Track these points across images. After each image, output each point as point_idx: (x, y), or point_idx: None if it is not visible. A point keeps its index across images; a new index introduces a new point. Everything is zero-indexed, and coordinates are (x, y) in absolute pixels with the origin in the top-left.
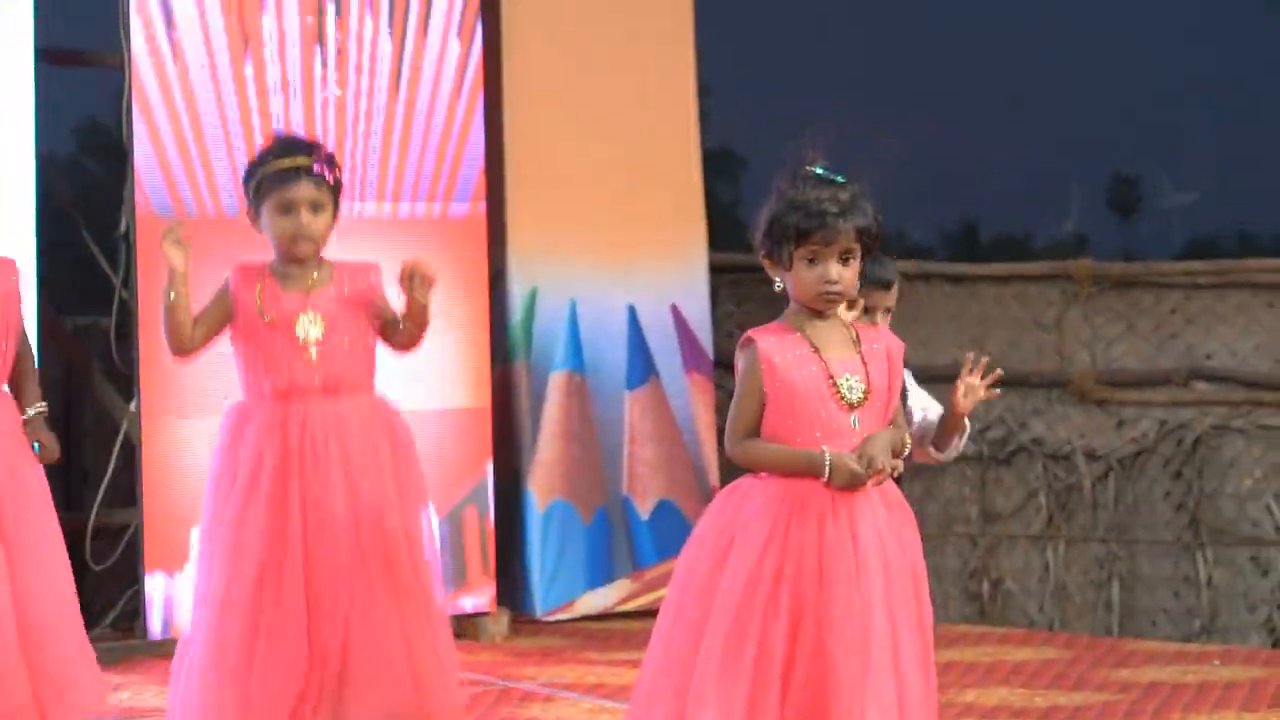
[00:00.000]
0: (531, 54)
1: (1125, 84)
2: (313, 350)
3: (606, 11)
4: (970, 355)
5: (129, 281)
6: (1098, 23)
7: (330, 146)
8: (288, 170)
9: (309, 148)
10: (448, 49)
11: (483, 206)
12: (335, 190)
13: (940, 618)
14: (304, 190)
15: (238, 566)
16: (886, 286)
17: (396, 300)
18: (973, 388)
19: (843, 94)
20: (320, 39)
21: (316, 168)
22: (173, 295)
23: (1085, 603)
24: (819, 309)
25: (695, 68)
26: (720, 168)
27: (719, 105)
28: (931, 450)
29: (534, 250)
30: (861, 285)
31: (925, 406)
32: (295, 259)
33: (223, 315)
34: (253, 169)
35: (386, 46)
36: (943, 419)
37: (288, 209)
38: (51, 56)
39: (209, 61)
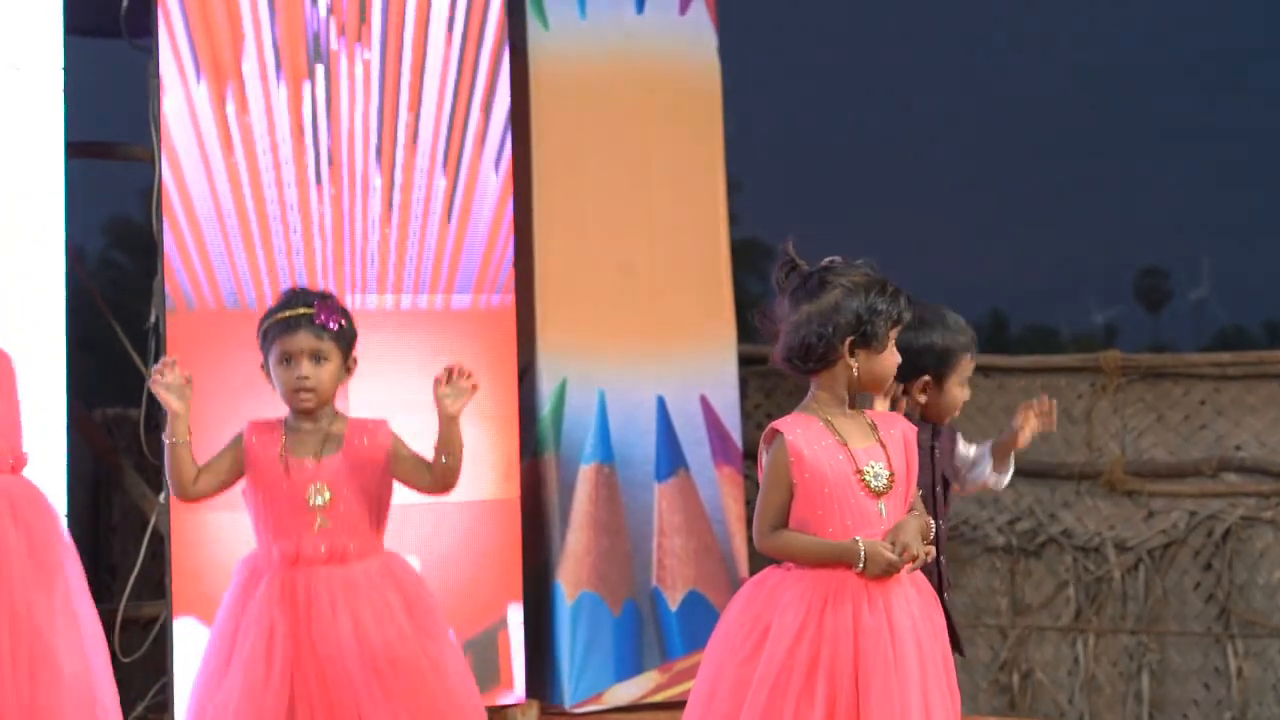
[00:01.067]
0: (561, 149)
1: (1154, 177)
2: (319, 519)
3: (636, 108)
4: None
5: None
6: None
7: (362, 241)
8: (288, 320)
9: (311, 298)
10: (480, 146)
11: (512, 299)
12: (340, 338)
13: (970, 709)
14: (303, 340)
15: None
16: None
17: (415, 443)
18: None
19: (871, 186)
20: (350, 136)
21: (319, 317)
22: (174, 439)
23: (1115, 694)
24: (879, 391)
25: (724, 163)
26: (749, 260)
27: (749, 198)
28: (990, 478)
29: (563, 342)
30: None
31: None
32: (299, 410)
33: (233, 468)
34: (261, 322)
35: (420, 141)
36: (999, 443)
37: (288, 360)
38: (81, 150)
39: (236, 156)
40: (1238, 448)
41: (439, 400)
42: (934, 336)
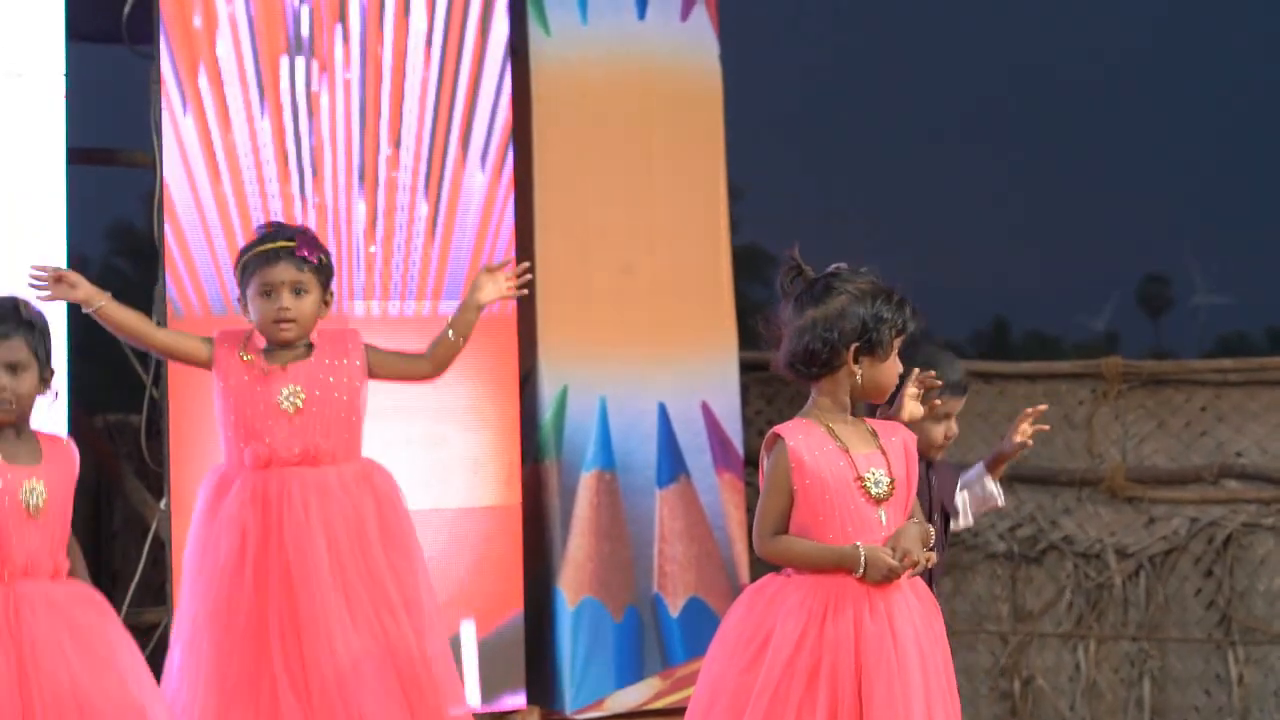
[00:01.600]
0: (562, 154)
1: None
2: (295, 421)
3: (638, 113)
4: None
5: (159, 380)
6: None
7: (364, 247)
8: (269, 252)
9: (291, 232)
10: (481, 151)
11: (513, 305)
12: (320, 272)
13: (971, 716)
14: (285, 272)
15: (225, 661)
16: (964, 391)
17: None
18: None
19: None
20: (350, 143)
21: (299, 250)
22: (93, 306)
23: (1116, 701)
24: (881, 400)
25: (725, 169)
26: (750, 267)
27: (750, 205)
28: (998, 498)
29: (564, 349)
30: (942, 393)
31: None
32: (279, 342)
33: (199, 351)
34: (239, 256)
35: (420, 147)
36: (996, 458)
37: (269, 291)
38: (83, 156)
39: (238, 161)
40: (1239, 454)
41: (476, 285)
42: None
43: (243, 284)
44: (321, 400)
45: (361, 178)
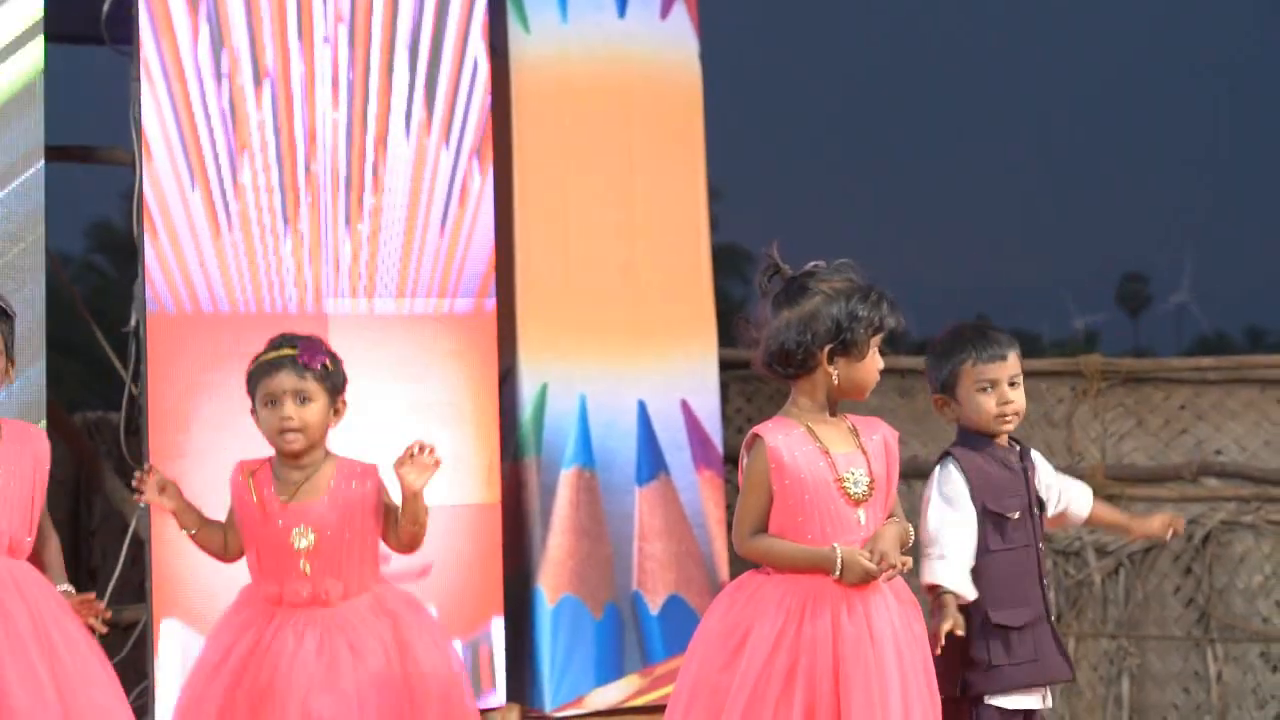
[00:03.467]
0: (542, 153)
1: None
2: (304, 562)
3: (617, 112)
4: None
5: (139, 377)
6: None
7: (343, 246)
8: (270, 362)
9: (295, 340)
10: (460, 150)
11: (493, 303)
12: (325, 378)
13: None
14: (286, 380)
15: None
16: (1000, 358)
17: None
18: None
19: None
20: (333, 140)
21: (301, 357)
22: (188, 530)
23: (1096, 699)
24: (861, 398)
25: (704, 167)
26: (730, 265)
27: (729, 204)
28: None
29: (544, 346)
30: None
31: (1061, 488)
32: (285, 454)
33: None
34: (249, 368)
35: (401, 145)
36: (1115, 524)
37: (272, 401)
38: (62, 154)
39: (215, 160)
40: (1218, 452)
41: (401, 476)
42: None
43: (251, 396)
44: (335, 542)
45: (345, 176)
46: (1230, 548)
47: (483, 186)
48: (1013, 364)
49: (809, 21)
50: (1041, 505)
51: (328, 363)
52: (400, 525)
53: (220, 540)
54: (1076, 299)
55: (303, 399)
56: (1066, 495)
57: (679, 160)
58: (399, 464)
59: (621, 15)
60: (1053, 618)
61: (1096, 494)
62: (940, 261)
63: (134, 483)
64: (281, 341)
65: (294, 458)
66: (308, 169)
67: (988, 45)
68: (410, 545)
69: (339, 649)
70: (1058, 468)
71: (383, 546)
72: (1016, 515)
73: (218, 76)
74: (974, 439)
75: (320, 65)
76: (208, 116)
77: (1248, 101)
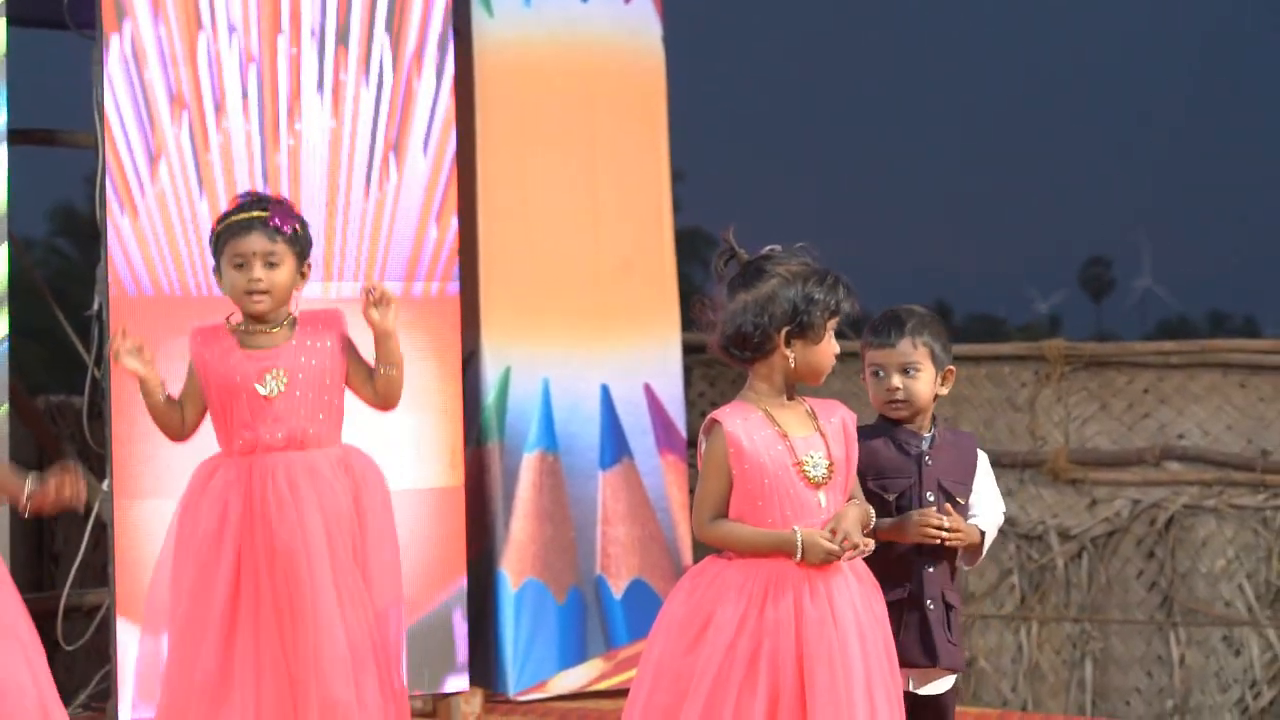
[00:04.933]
0: (505, 136)
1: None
2: (279, 405)
3: (580, 96)
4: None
5: (101, 360)
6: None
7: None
8: (241, 223)
9: (265, 201)
10: (424, 133)
11: (456, 287)
12: (295, 242)
13: None
14: (256, 242)
15: (198, 641)
16: (886, 344)
17: (368, 353)
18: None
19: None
20: (293, 119)
21: (272, 220)
22: (149, 398)
23: (1059, 682)
24: (817, 382)
25: (668, 151)
26: (692, 249)
27: (692, 187)
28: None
29: (507, 330)
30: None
31: (979, 501)
32: (252, 314)
33: (198, 387)
34: (215, 225)
35: (360, 128)
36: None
37: (241, 263)
38: (24, 137)
39: (180, 140)
40: (1181, 436)
41: (371, 321)
42: None
43: (216, 255)
44: (305, 383)
45: (307, 160)
46: (1193, 532)
47: (446, 170)
48: (903, 352)
49: (778, 6)
50: (949, 496)
51: (298, 226)
52: (378, 372)
53: (178, 416)
54: (1040, 283)
55: (271, 262)
56: (977, 509)
57: (642, 144)
58: (365, 310)
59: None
60: (934, 605)
61: (1059, 477)
62: (904, 245)
63: (110, 346)
64: (251, 202)
65: (257, 319)
66: (267, 152)
67: (951, 29)
68: (388, 395)
69: (324, 505)
70: (1020, 451)
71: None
72: (893, 497)
73: (179, 60)
74: (882, 419)
75: (282, 49)
76: (170, 101)
77: (1210, 87)
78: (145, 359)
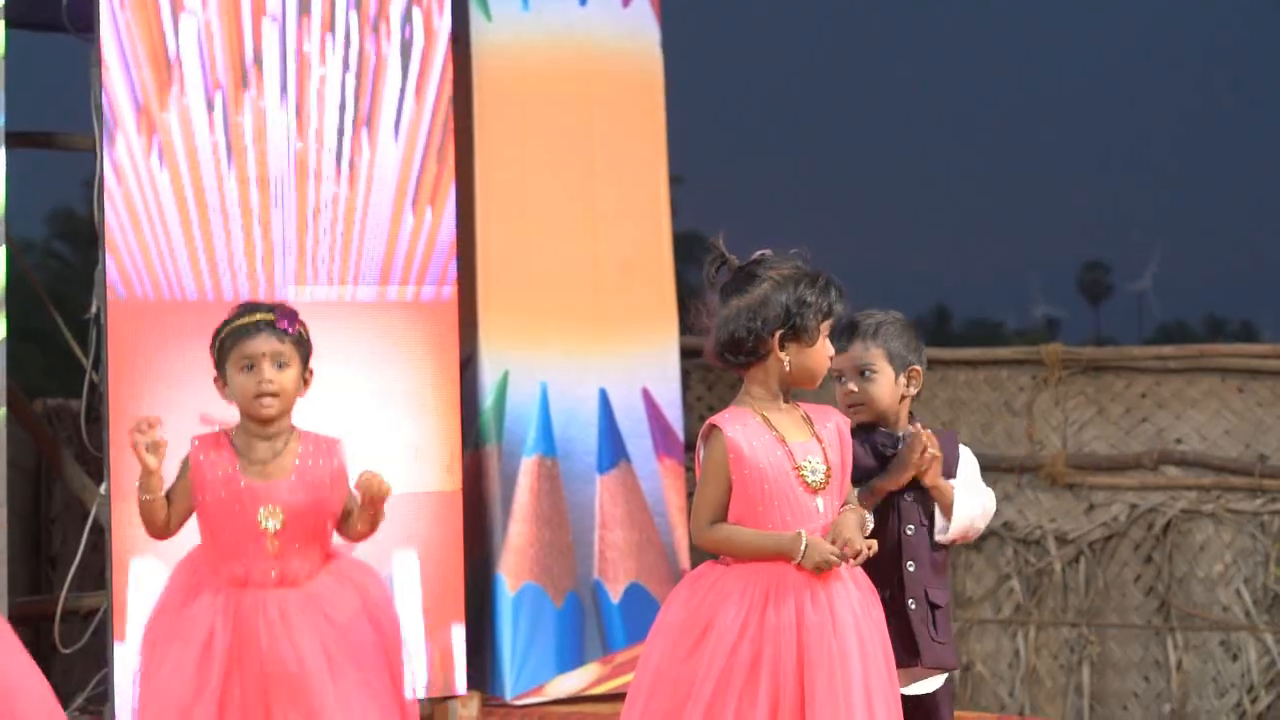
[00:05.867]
0: (503, 140)
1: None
2: (270, 543)
3: (579, 99)
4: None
5: (99, 364)
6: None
7: (302, 233)
8: (248, 326)
9: (268, 306)
10: (421, 138)
11: (454, 291)
12: (300, 345)
13: None
14: (265, 343)
15: None
16: (843, 342)
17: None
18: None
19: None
20: (292, 126)
21: (278, 322)
22: (147, 495)
23: (1056, 687)
24: (813, 386)
25: (666, 155)
26: (690, 253)
27: (689, 191)
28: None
29: (505, 334)
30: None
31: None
32: (260, 419)
33: (189, 490)
34: (216, 333)
35: (362, 132)
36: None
37: (250, 364)
38: (22, 139)
39: (177, 146)
40: (1178, 441)
41: (367, 496)
42: None
43: (220, 361)
44: (302, 521)
45: (305, 164)
46: (1190, 536)
47: (443, 174)
48: (855, 355)
49: (777, 10)
50: (925, 491)
51: (302, 329)
52: (356, 527)
53: (165, 516)
54: (1038, 287)
55: (280, 363)
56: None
57: (640, 148)
58: (360, 488)
59: (583, 3)
60: (916, 604)
61: (1057, 481)
62: (902, 250)
63: (137, 425)
64: (254, 307)
65: (265, 424)
66: (267, 157)
67: (954, 35)
68: (359, 539)
69: (320, 623)
70: (1018, 456)
71: None
72: (909, 498)
73: (178, 63)
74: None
75: (280, 54)
76: (168, 104)
77: (1210, 94)
78: (162, 456)
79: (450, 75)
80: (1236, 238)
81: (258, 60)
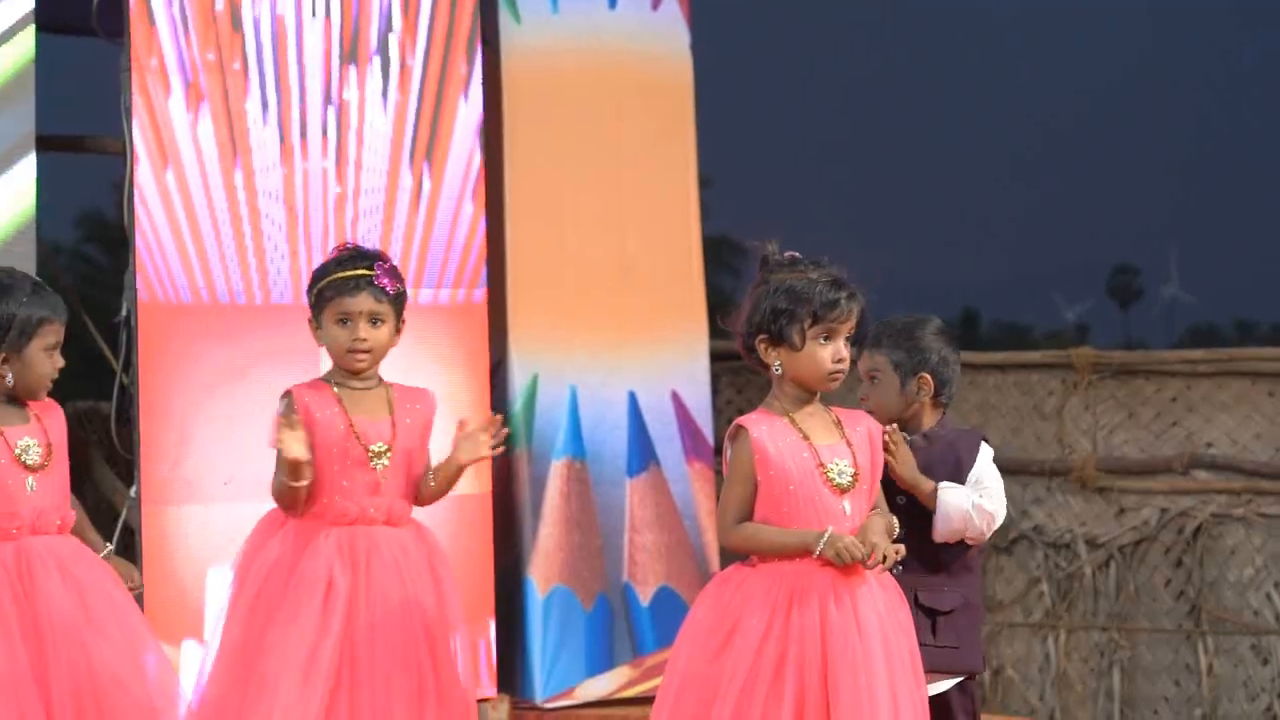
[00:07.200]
0: (533, 143)
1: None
2: (381, 479)
3: (608, 103)
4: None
5: (129, 367)
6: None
7: (335, 235)
8: (348, 281)
9: (371, 259)
10: (452, 140)
11: (484, 294)
12: (397, 302)
13: None
14: (364, 302)
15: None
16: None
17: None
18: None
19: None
20: (323, 127)
21: (378, 279)
22: (302, 482)
23: (1086, 691)
24: (825, 388)
25: (695, 159)
26: (719, 256)
27: (719, 194)
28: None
29: (535, 337)
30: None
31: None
32: (350, 370)
33: (305, 464)
34: (315, 278)
35: (387, 129)
36: None
37: (346, 320)
38: (52, 143)
39: (206, 149)
40: (1209, 445)
41: (457, 443)
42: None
43: (317, 307)
44: (400, 464)
45: (335, 167)
46: (1221, 540)
47: (473, 176)
48: (862, 360)
49: (805, 14)
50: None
51: (400, 286)
52: (434, 484)
53: (305, 496)
54: (1067, 291)
55: (376, 320)
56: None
57: (670, 152)
58: (460, 429)
59: (612, 6)
60: (918, 604)
61: (1087, 485)
62: (932, 254)
63: (283, 418)
64: (357, 258)
65: (354, 375)
66: (299, 161)
67: (984, 40)
68: (424, 500)
69: (413, 585)
70: (1048, 459)
71: None
72: (902, 500)
73: (208, 67)
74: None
75: (310, 56)
76: (198, 107)
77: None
78: (307, 444)
79: (481, 80)
80: (1266, 240)
81: (288, 59)
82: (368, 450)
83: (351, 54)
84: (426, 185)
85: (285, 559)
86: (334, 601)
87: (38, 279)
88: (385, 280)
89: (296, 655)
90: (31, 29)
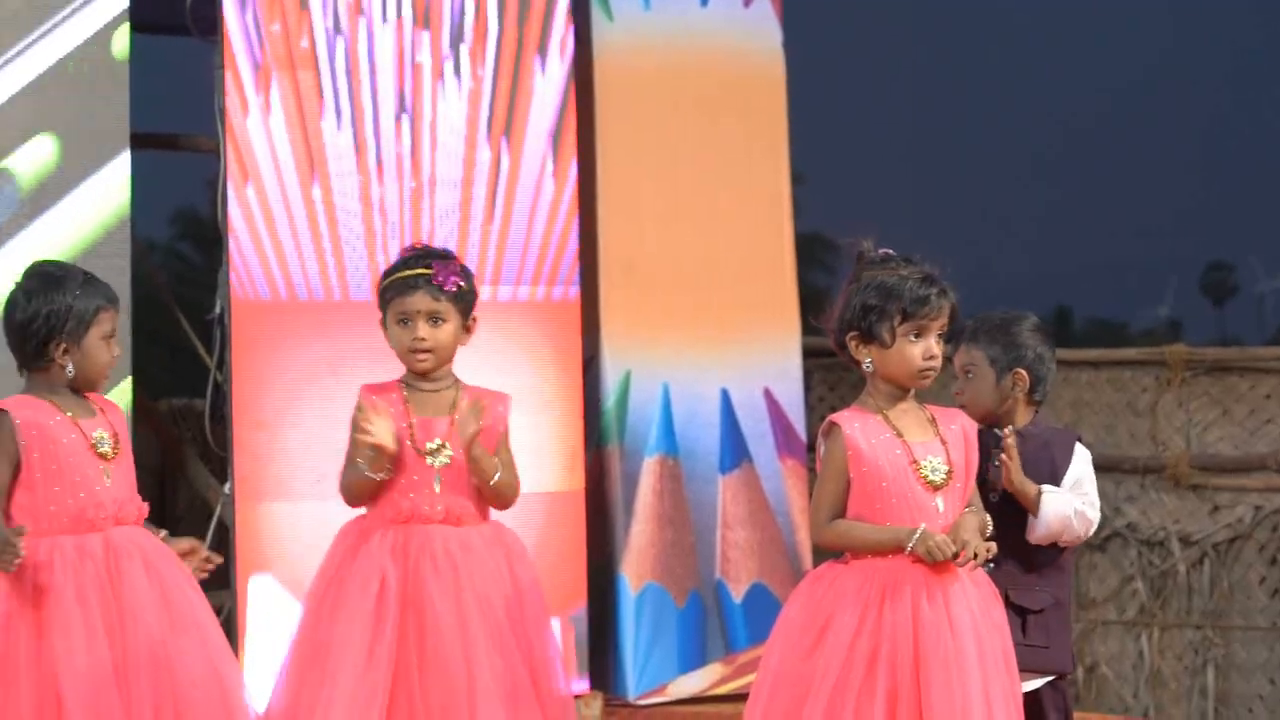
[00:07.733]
0: (625, 141)
1: (1221, 169)
2: (437, 482)
3: (700, 100)
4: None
5: (223, 364)
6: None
7: (427, 233)
8: (405, 280)
9: (430, 258)
10: (544, 138)
11: (577, 291)
12: (459, 299)
13: None
14: (421, 301)
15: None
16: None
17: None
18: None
19: (935, 180)
20: (417, 129)
21: (436, 278)
22: (379, 474)
23: (1180, 689)
24: (917, 385)
25: (788, 155)
26: (811, 253)
27: (812, 191)
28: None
29: (627, 334)
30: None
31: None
32: (414, 370)
33: (384, 454)
34: (381, 280)
35: (488, 135)
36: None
37: (405, 320)
38: (146, 141)
39: (300, 147)
40: None
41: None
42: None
43: (383, 309)
44: (466, 465)
45: (429, 165)
46: None
47: (566, 174)
48: (957, 356)
49: (897, 5)
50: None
51: (462, 283)
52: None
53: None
54: (1161, 287)
55: (436, 319)
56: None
57: (762, 149)
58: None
59: (704, 4)
60: (1010, 602)
61: (1181, 483)
62: (1026, 249)
63: (361, 420)
64: (416, 259)
65: (422, 376)
66: (392, 157)
67: (1070, 29)
68: (496, 500)
69: (478, 578)
70: (1141, 457)
71: None
72: (995, 498)
73: (301, 64)
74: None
75: (405, 57)
76: (291, 104)
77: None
78: (393, 433)
79: (574, 77)
80: None
81: (385, 59)
82: (423, 448)
83: (447, 52)
84: (522, 183)
85: (345, 560)
86: (386, 598)
87: (88, 271)
88: (443, 277)
89: (354, 654)
90: (126, 27)
